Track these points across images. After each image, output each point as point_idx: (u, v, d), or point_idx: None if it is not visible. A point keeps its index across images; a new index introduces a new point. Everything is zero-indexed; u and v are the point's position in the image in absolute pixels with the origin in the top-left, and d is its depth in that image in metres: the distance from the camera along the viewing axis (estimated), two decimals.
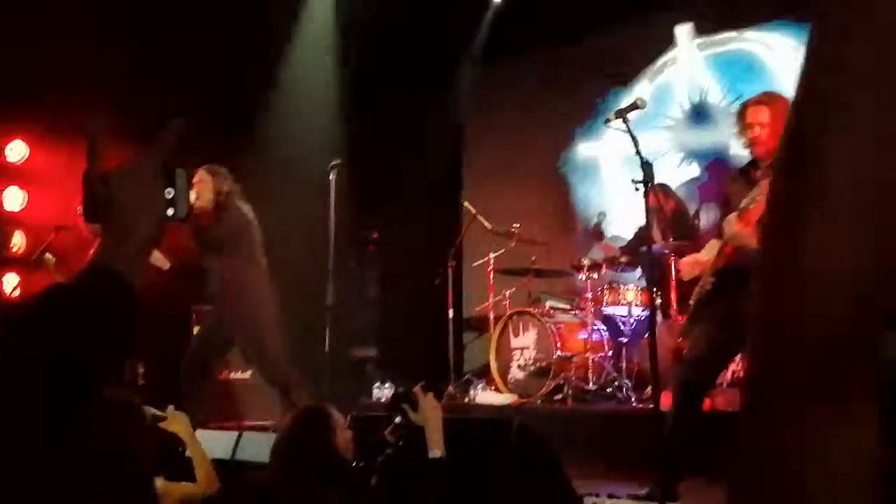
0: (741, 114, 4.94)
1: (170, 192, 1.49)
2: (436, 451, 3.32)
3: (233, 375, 7.98)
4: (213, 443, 4.99)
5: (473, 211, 8.36)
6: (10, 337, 1.34)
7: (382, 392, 8.41)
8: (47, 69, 7.41)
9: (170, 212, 1.50)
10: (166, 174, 1.50)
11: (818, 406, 0.66)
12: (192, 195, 5.85)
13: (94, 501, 1.43)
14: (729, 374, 6.94)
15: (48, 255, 6.75)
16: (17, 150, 8.02)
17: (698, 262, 5.09)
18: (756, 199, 4.54)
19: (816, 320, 0.68)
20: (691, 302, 5.09)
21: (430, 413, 3.39)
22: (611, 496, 4.68)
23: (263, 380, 6.43)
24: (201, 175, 6.18)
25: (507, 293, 8.42)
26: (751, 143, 4.89)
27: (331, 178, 6.31)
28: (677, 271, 7.34)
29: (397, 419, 3.47)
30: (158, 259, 6.06)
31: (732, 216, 4.67)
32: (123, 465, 1.62)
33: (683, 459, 4.84)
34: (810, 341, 0.68)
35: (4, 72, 7.43)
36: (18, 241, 7.99)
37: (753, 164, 4.99)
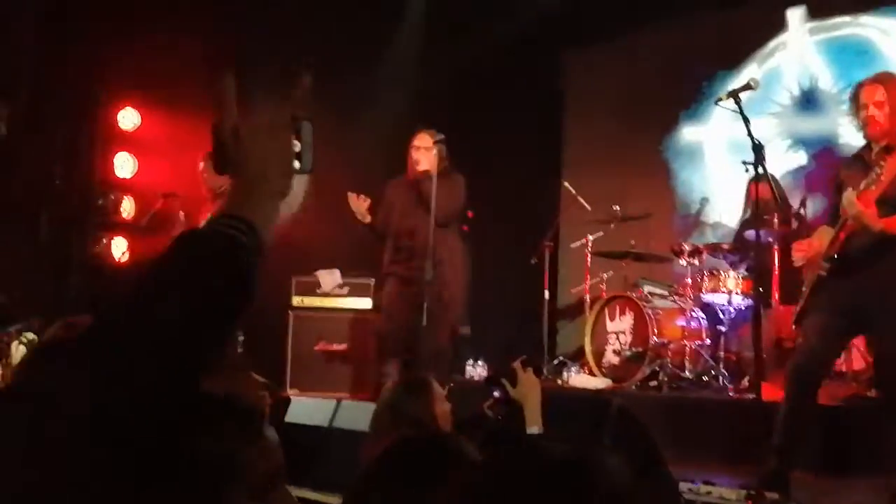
0: (855, 94, 4.83)
1: (296, 146, 1.49)
2: (534, 427, 3.32)
3: (327, 347, 8.09)
4: (313, 410, 5.09)
5: (573, 191, 8.30)
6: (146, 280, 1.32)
7: (475, 370, 8.44)
8: (160, 41, 7.58)
9: (296, 165, 1.50)
10: (294, 128, 1.49)
11: None
12: (418, 157, 6.34)
13: None
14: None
15: (181, 213, 6.89)
16: (128, 118, 8.24)
17: (811, 245, 4.97)
18: (879, 179, 4.40)
19: None
20: (804, 289, 4.98)
21: (529, 389, 3.38)
22: (706, 483, 4.63)
23: (428, 352, 6.22)
24: (424, 140, 6.33)
25: (605, 276, 8.35)
26: (864, 124, 4.77)
27: (433, 153, 6.33)
28: (788, 256, 7.21)
29: (496, 393, 3.47)
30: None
31: (851, 194, 4.52)
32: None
33: (796, 451, 4.77)
34: None
35: (119, 41, 7.62)
36: (128, 206, 8.22)
37: (867, 146, 4.86)
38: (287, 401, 4.58)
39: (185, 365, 1.28)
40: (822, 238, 4.93)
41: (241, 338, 7.51)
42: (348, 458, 3.47)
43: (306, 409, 5.45)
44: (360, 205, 6.69)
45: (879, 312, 4.57)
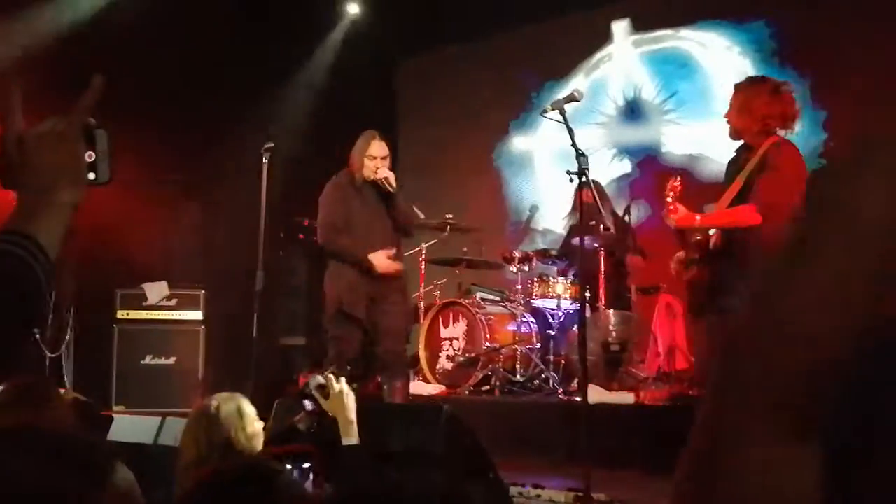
0: None
1: (91, 156, 1.42)
2: (351, 439, 3.27)
3: (155, 361, 7.85)
4: (137, 427, 4.90)
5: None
6: None
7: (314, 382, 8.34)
8: None
9: (91, 176, 1.43)
10: (87, 137, 1.42)
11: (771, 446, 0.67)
12: (377, 167, 6.05)
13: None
14: (655, 370, 7.04)
15: None
16: None
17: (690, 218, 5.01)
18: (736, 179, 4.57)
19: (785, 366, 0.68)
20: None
21: (342, 401, 3.33)
22: (536, 486, 4.69)
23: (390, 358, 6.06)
24: (383, 148, 6.16)
25: (438, 283, 8.41)
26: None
27: (264, 161, 6.20)
28: (612, 261, 7.41)
29: (309, 406, 3.40)
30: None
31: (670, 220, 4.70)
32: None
33: None
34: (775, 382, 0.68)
35: None
36: None
37: (739, 147, 5.01)
38: (109, 419, 4.38)
39: None
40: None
41: (54, 355, 7.18)
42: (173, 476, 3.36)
43: (130, 426, 5.24)
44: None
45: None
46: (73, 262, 6.52)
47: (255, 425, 3.05)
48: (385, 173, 6.09)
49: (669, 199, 4.71)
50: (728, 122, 4.89)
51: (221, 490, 1.64)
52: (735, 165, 4.94)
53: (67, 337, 6.41)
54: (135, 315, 7.94)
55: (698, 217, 4.72)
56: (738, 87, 4.92)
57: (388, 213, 6.19)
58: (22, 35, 7.30)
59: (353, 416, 3.30)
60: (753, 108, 4.80)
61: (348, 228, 6.14)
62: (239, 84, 8.88)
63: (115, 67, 7.88)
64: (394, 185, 6.10)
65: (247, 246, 6.40)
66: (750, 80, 5.01)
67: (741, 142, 4.91)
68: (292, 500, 1.54)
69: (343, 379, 3.39)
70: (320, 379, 3.40)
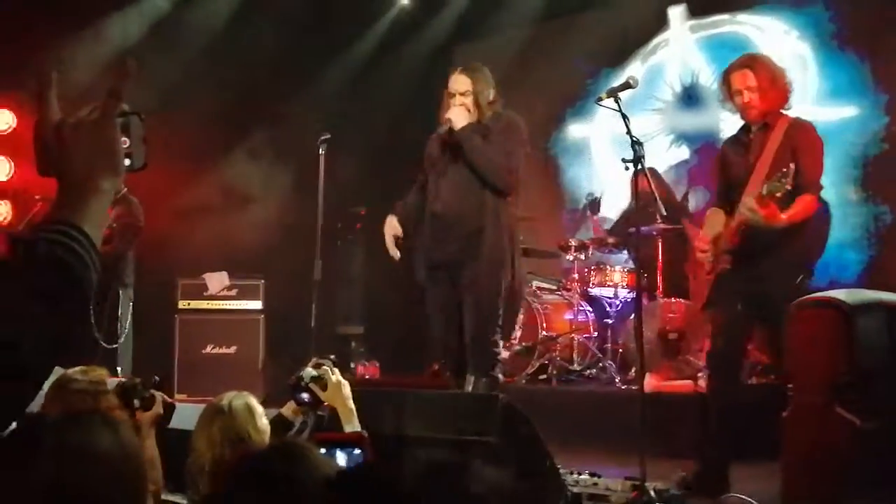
0: (726, 81, 5.01)
1: (126, 142, 1.43)
2: (353, 426, 3.27)
3: (216, 350, 7.98)
4: (193, 415, 4.98)
5: None
6: None
7: (367, 369, 8.43)
8: (38, 40, 7.36)
9: (126, 162, 1.44)
10: (122, 123, 1.43)
11: None
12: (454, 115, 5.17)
13: None
14: None
15: None
16: (3, 119, 7.97)
17: (706, 238, 5.05)
18: (784, 187, 4.51)
19: None
20: (696, 279, 5.09)
21: (338, 391, 3.34)
22: (592, 475, 4.69)
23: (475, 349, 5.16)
24: (458, 81, 5.25)
25: None
26: (742, 109, 4.95)
27: (320, 152, 6.25)
28: (671, 249, 7.37)
29: (305, 398, 3.39)
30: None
31: (750, 201, 4.63)
32: None
33: (731, 443, 4.88)
34: None
35: None
36: (4, 210, 7.94)
37: (746, 128, 5.03)
38: (172, 406, 4.46)
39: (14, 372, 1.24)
40: (715, 222, 5.05)
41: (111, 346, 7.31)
42: None
43: (193, 413, 5.33)
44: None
45: (776, 300, 4.70)
46: (134, 253, 6.62)
47: (263, 420, 3.07)
48: (452, 114, 5.18)
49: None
50: (748, 107, 4.89)
51: (255, 468, 1.68)
52: (745, 146, 4.98)
53: (126, 328, 6.51)
54: (196, 305, 8.08)
55: (784, 216, 4.69)
56: (754, 67, 4.92)
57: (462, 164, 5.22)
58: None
59: (352, 403, 3.33)
60: (777, 85, 4.87)
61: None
62: (298, 74, 8.99)
63: (174, 57, 8.03)
64: (456, 126, 5.16)
65: (305, 236, 6.47)
66: (764, 61, 5.05)
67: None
68: (324, 475, 1.56)
69: (336, 369, 3.40)
70: (313, 371, 3.39)
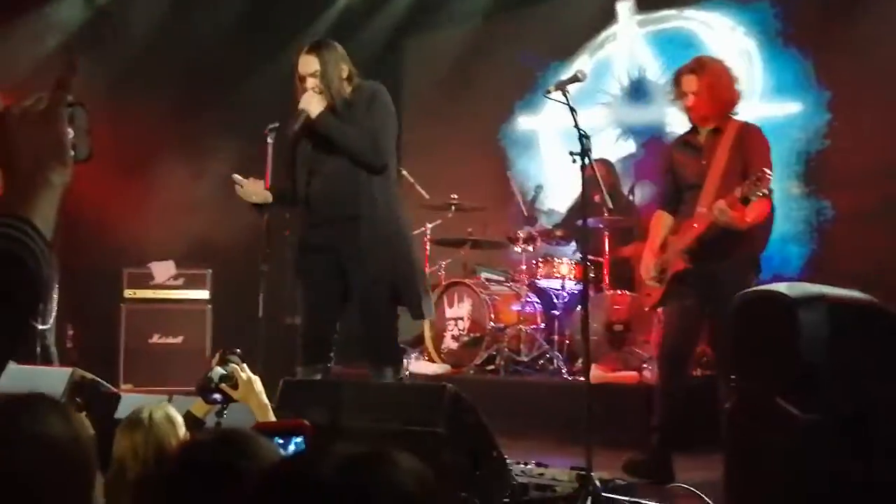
0: (675, 81, 5.15)
1: (70, 133, 1.40)
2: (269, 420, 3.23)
3: (162, 340, 7.92)
4: (143, 405, 4.94)
5: (411, 180, 8.33)
6: None
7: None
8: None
9: (71, 153, 1.40)
10: (68, 114, 1.40)
11: None
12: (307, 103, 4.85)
13: None
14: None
15: None
16: None
17: (652, 251, 5.20)
18: (759, 191, 4.60)
19: None
20: (658, 274, 5.16)
21: (251, 387, 3.26)
22: (539, 464, 4.73)
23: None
24: (305, 62, 4.83)
25: (443, 264, 8.43)
26: (686, 111, 5.07)
27: (269, 141, 6.19)
28: (617, 242, 7.45)
29: (217, 398, 3.27)
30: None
31: (723, 202, 4.73)
32: None
33: (675, 431, 4.98)
34: None
35: None
36: None
37: (694, 130, 5.14)
38: (117, 397, 4.42)
39: None
40: (661, 226, 5.16)
41: (70, 332, 7.26)
42: None
43: (138, 404, 5.29)
44: (255, 187, 5.21)
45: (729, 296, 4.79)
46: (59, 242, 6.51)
47: (183, 430, 3.00)
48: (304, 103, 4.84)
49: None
50: (693, 109, 5.03)
51: (198, 459, 1.67)
52: (696, 149, 5.10)
53: (54, 312, 6.38)
54: (142, 294, 8.01)
55: (748, 218, 4.81)
56: (701, 72, 5.02)
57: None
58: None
59: (265, 398, 3.27)
60: (724, 91, 5.02)
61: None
62: (243, 63, 8.90)
63: (118, 46, 7.92)
64: (313, 114, 4.85)
65: (252, 225, 6.42)
66: (713, 66, 5.14)
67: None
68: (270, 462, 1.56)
69: (244, 364, 3.33)
70: (221, 370, 3.28)
